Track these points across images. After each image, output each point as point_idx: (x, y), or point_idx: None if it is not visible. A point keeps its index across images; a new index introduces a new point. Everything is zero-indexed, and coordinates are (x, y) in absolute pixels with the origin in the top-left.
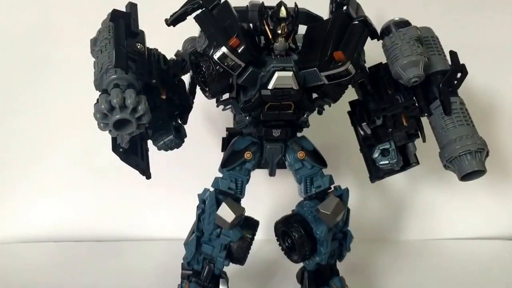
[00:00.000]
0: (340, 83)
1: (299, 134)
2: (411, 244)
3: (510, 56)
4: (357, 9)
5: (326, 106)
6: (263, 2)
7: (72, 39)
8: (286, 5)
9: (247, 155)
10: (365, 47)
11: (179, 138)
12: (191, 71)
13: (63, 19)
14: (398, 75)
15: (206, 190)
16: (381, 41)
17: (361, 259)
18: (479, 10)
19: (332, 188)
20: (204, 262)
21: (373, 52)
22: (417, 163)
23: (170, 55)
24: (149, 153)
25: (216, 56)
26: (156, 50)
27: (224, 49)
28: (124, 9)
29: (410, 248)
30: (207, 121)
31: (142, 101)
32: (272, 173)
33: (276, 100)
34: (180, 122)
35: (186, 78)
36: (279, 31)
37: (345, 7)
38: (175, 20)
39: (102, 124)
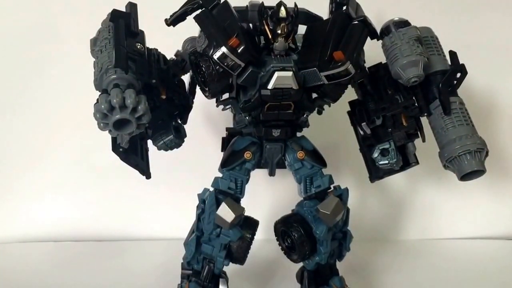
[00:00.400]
0: (340, 83)
1: (299, 134)
2: (411, 244)
3: (510, 56)
4: (356, 9)
5: (326, 106)
6: (263, 2)
7: (72, 39)
8: (286, 5)
9: (247, 155)
10: (364, 47)
11: (179, 138)
12: (191, 71)
13: (63, 19)
14: (397, 75)
15: (206, 190)
16: (380, 41)
17: (361, 259)
18: (479, 10)
19: (332, 188)
20: (204, 261)
21: (373, 52)
22: (417, 163)
23: (170, 55)
24: (149, 153)
25: (216, 56)
26: (156, 50)
27: (224, 49)
28: (124, 9)
29: (409, 248)
30: (207, 121)
31: (142, 101)
32: (272, 173)
33: (276, 100)
34: (180, 122)
35: (186, 78)
36: (279, 31)
37: (344, 7)
38: (175, 20)
39: (102, 124)
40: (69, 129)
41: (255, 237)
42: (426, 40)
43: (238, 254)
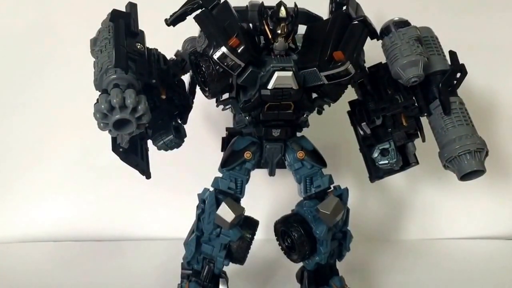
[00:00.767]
0: (340, 83)
1: (299, 134)
2: (411, 244)
3: (510, 56)
4: (356, 9)
5: (326, 106)
6: (262, 2)
7: (72, 39)
8: (285, 5)
9: (247, 155)
10: (364, 47)
11: (179, 138)
12: (191, 71)
13: (63, 19)
14: (397, 75)
15: (206, 189)
16: (380, 41)
17: (361, 258)
18: (479, 10)
19: (332, 188)
20: (204, 261)
21: (373, 52)
22: (417, 163)
23: (170, 55)
24: (149, 153)
25: (216, 56)
26: (156, 50)
27: (224, 49)
28: (124, 9)
29: (409, 247)
30: (207, 121)
31: (142, 101)
32: (271, 173)
33: (276, 100)
34: (180, 122)
35: (186, 78)
36: (279, 31)
37: (344, 7)
38: (175, 20)
39: (102, 124)
40: (69, 129)
41: (255, 237)
42: (426, 40)
43: (238, 254)
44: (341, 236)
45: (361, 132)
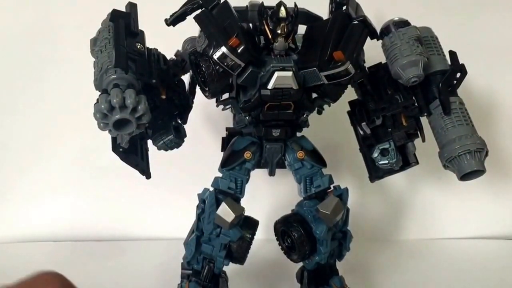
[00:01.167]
0: (340, 83)
1: (299, 134)
2: (411, 244)
3: (510, 56)
4: (356, 9)
5: (325, 106)
6: (262, 2)
7: (72, 39)
8: (285, 5)
9: (247, 155)
10: (364, 47)
11: (179, 138)
12: (191, 71)
13: (63, 19)
14: (397, 75)
15: (206, 189)
16: (380, 41)
17: (361, 258)
18: (479, 10)
19: (332, 188)
20: (204, 261)
21: (373, 52)
22: (417, 162)
23: (170, 55)
24: (149, 153)
25: (216, 56)
26: (156, 50)
27: (223, 49)
28: (124, 9)
29: (409, 247)
30: (207, 121)
31: (142, 101)
32: (271, 173)
33: (276, 100)
34: (180, 122)
35: (186, 78)
36: (279, 31)
37: (344, 7)
38: (175, 20)
39: (102, 124)
40: (69, 129)
41: (255, 237)
42: (426, 40)
43: (238, 254)
44: (341, 236)
45: (361, 132)
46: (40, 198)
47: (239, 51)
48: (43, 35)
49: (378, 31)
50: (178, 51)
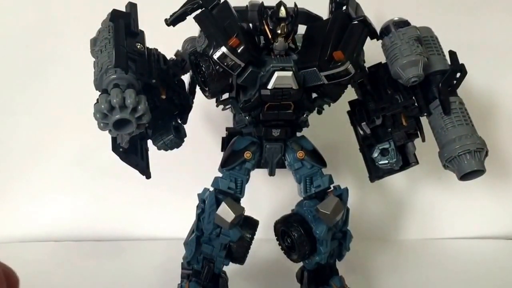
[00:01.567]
0: (340, 83)
1: (298, 134)
2: (411, 244)
3: (510, 56)
4: (356, 9)
5: (325, 106)
6: (262, 2)
7: (72, 39)
8: (285, 5)
9: (247, 154)
10: (364, 47)
11: (179, 137)
12: (191, 71)
13: (63, 19)
14: (397, 75)
15: (206, 189)
16: (380, 41)
17: (361, 258)
18: (479, 10)
19: (332, 188)
20: (204, 261)
21: (373, 52)
22: (417, 162)
23: (170, 55)
24: (149, 153)
25: (216, 56)
26: (156, 50)
27: (223, 49)
28: (124, 9)
29: (409, 247)
30: (207, 121)
31: (142, 101)
32: (271, 173)
33: (276, 100)
34: (179, 122)
35: (186, 78)
36: (279, 31)
37: (344, 7)
38: (175, 20)
39: (102, 124)
40: (69, 129)
41: (255, 237)
42: (426, 40)
43: (238, 254)
44: (341, 236)
45: (361, 132)
46: (40, 198)
47: (239, 51)
48: (43, 35)
49: (378, 31)
50: (178, 51)
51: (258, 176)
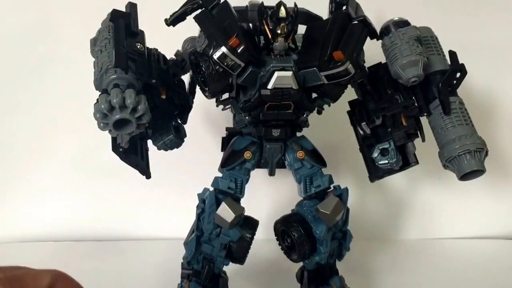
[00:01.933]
0: (340, 82)
1: (298, 134)
2: (411, 244)
3: (510, 56)
4: (356, 9)
5: (325, 106)
6: (262, 2)
7: (72, 39)
8: (285, 5)
9: (247, 154)
10: (364, 47)
11: (179, 137)
12: (191, 71)
13: (63, 19)
14: (397, 74)
15: (206, 189)
16: (380, 41)
17: (361, 258)
18: (479, 10)
19: (332, 188)
20: (204, 261)
21: (373, 52)
22: (417, 162)
23: (170, 55)
24: (149, 152)
25: (216, 56)
26: (156, 50)
27: (223, 49)
28: (124, 9)
29: (409, 247)
30: (207, 121)
31: (142, 101)
32: (271, 173)
33: (276, 100)
34: (179, 122)
35: (186, 78)
36: (279, 31)
37: (344, 7)
38: (175, 20)
39: (102, 124)
40: (69, 129)
41: (255, 237)
42: (426, 40)
43: (238, 254)
44: (341, 236)
45: (361, 132)
46: (40, 198)
47: (239, 51)
48: (43, 35)
49: (378, 31)
50: (178, 51)
51: (258, 176)
